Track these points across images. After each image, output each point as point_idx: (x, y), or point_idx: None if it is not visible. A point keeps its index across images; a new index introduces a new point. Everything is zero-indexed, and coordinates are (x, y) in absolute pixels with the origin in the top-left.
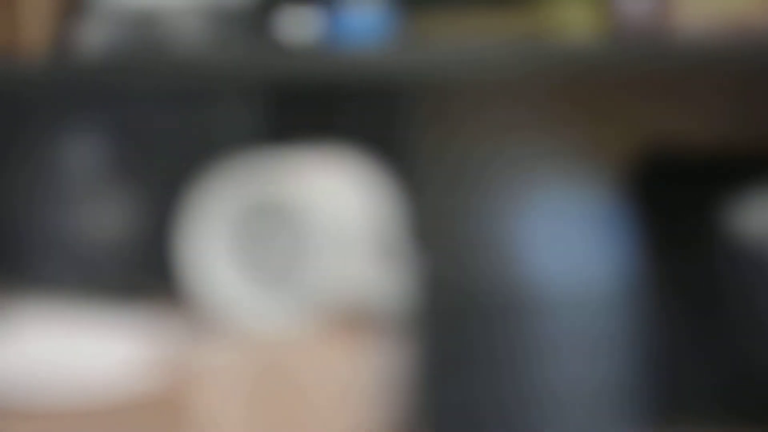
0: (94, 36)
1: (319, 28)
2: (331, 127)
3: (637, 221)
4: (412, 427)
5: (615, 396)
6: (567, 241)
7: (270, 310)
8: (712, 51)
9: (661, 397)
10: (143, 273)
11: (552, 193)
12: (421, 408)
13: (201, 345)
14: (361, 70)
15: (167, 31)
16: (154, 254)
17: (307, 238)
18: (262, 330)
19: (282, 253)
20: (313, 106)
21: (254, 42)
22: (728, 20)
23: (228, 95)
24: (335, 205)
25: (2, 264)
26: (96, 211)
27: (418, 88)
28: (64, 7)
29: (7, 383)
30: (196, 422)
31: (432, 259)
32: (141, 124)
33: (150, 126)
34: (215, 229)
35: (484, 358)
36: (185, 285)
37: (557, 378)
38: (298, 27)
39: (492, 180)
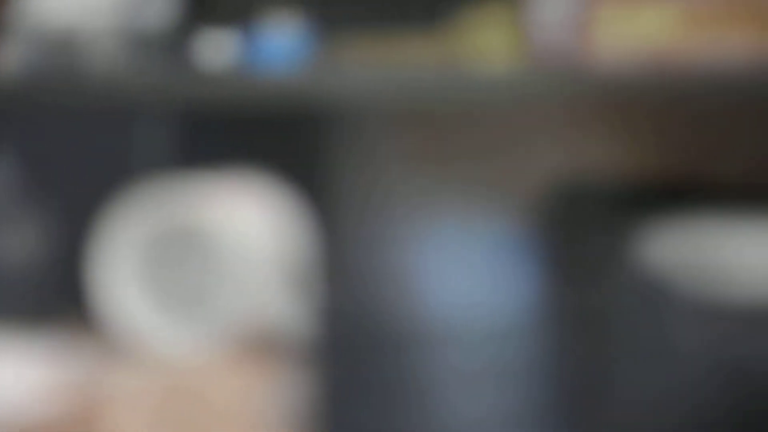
0: (12, 57)
1: (236, 52)
2: (245, 152)
3: (544, 252)
4: None
5: (518, 424)
6: (473, 273)
7: (178, 334)
8: (627, 82)
9: (565, 424)
10: (54, 297)
11: (459, 224)
12: None
13: (110, 368)
14: (276, 95)
15: (85, 54)
16: (66, 278)
17: (217, 264)
18: (171, 354)
19: (192, 279)
20: (227, 130)
21: (171, 65)
22: (646, 51)
23: (144, 118)
24: (245, 232)
25: None
26: (7, 234)
27: (332, 113)
28: None
29: None
30: None
31: (337, 288)
32: (55, 146)
33: (64, 149)
34: (126, 254)
35: (386, 386)
36: (96, 309)
37: (459, 406)
38: (215, 51)
39: (400, 210)
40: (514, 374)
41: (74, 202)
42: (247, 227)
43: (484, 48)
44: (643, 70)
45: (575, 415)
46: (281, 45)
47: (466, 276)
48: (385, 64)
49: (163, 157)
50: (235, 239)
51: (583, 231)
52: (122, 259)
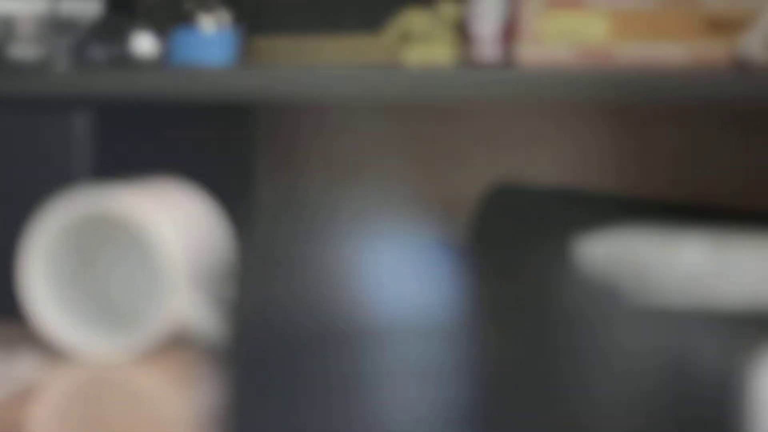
0: None
1: (165, 46)
2: (171, 146)
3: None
4: None
5: (449, 425)
6: (404, 272)
7: (95, 333)
8: (562, 83)
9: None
10: None
11: (391, 222)
12: None
13: (29, 365)
14: (202, 89)
15: (11, 43)
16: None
17: (136, 262)
18: (87, 353)
19: (110, 278)
20: (152, 124)
21: (98, 57)
22: (581, 53)
23: (69, 110)
24: (165, 230)
25: None
26: None
27: (258, 108)
28: None
29: None
30: None
31: (257, 287)
32: None
33: None
34: (45, 251)
35: (312, 387)
36: (22, 304)
37: (387, 406)
38: (143, 44)
39: (325, 208)
40: (444, 375)
41: (9, 200)
42: (167, 225)
43: (421, 49)
44: (579, 72)
45: (508, 415)
46: (209, 39)
47: (397, 275)
48: (316, 61)
49: (94, 150)
50: (155, 237)
51: (518, 234)
52: (41, 257)
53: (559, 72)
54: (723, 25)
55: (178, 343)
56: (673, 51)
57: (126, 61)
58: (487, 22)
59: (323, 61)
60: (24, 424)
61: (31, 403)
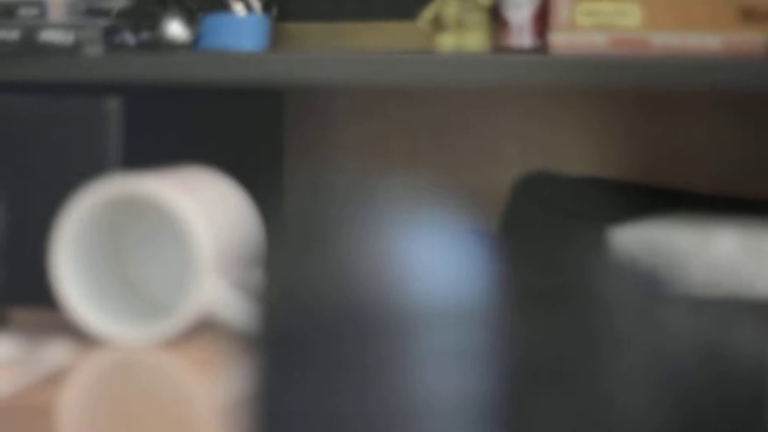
0: None
1: (196, 31)
2: (202, 131)
3: (508, 240)
4: None
5: (475, 413)
6: (430, 256)
7: (125, 320)
8: (595, 70)
9: (525, 414)
10: (14, 279)
11: (424, 208)
12: (277, 424)
13: (60, 351)
14: (233, 74)
15: (44, 27)
16: (31, 261)
17: (166, 248)
18: (118, 340)
19: (140, 264)
20: (183, 109)
21: (130, 42)
22: (614, 41)
23: (101, 95)
24: (195, 216)
25: None
26: None
27: (289, 93)
28: None
29: None
30: (54, 426)
31: (287, 273)
32: (17, 130)
33: (25, 133)
34: (75, 237)
35: (338, 375)
36: (54, 290)
37: (418, 395)
38: (174, 29)
39: (356, 194)
40: (478, 361)
41: (37, 188)
42: (198, 209)
43: (454, 36)
44: (611, 57)
45: (541, 402)
46: (241, 24)
47: (429, 260)
48: (353, 49)
49: (125, 134)
50: (188, 223)
51: (553, 221)
52: (73, 240)
53: (592, 58)
54: (758, 15)
55: (208, 329)
56: (706, 40)
57: (157, 46)
58: (520, 9)
59: (356, 48)
60: (54, 406)
61: (60, 387)
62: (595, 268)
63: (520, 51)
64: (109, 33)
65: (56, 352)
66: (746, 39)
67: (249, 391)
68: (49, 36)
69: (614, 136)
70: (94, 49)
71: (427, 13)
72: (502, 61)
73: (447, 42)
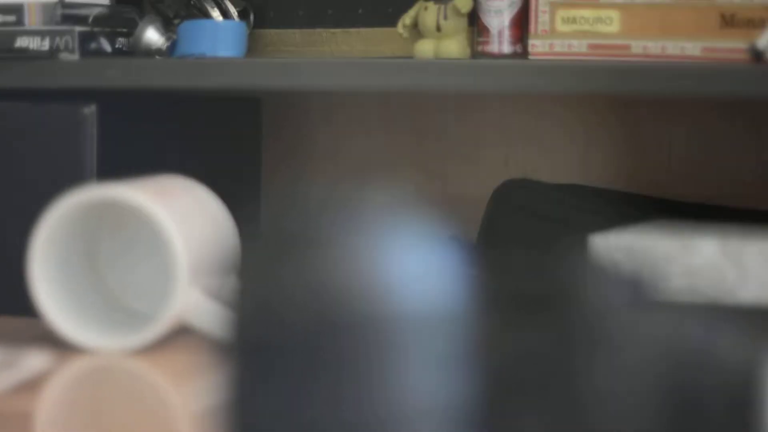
0: None
1: (173, 37)
2: (178, 138)
3: (488, 249)
4: None
5: (453, 420)
6: (407, 264)
7: (102, 329)
8: (573, 76)
9: (503, 419)
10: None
11: (394, 216)
12: (254, 429)
13: (37, 358)
14: (210, 81)
15: (20, 33)
16: (8, 269)
17: (143, 257)
18: (95, 348)
19: (120, 271)
20: (160, 116)
21: (106, 48)
22: (593, 47)
23: (77, 101)
24: (172, 224)
25: None
26: None
27: (265, 102)
28: None
29: None
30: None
31: (263, 281)
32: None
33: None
34: (51, 246)
35: (312, 382)
36: (31, 299)
37: (394, 402)
38: (151, 35)
39: (337, 201)
40: (455, 367)
41: (11, 196)
42: (174, 217)
43: (433, 42)
44: (590, 63)
45: (519, 408)
46: (218, 32)
47: (406, 268)
48: (331, 55)
49: (101, 141)
50: (163, 230)
51: (533, 229)
52: (46, 249)
53: (572, 64)
54: (738, 22)
55: (184, 336)
56: (686, 47)
57: (134, 53)
58: (499, 16)
59: (334, 54)
60: (31, 414)
61: (38, 394)
62: (575, 276)
63: (500, 57)
64: (86, 39)
65: (34, 360)
66: (726, 46)
67: (224, 399)
68: (25, 42)
69: (595, 143)
70: (70, 56)
71: (406, 19)
72: (481, 67)
73: (426, 48)
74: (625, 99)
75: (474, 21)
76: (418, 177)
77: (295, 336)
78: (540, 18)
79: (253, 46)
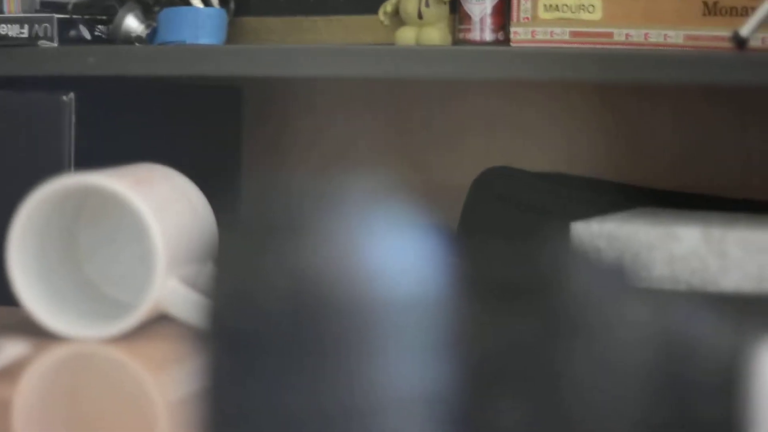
0: None
1: (153, 24)
2: (158, 126)
3: (468, 237)
4: None
5: (433, 410)
6: (388, 252)
7: (81, 317)
8: (556, 63)
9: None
10: None
11: (375, 204)
12: (228, 419)
13: (16, 346)
14: (190, 68)
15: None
16: None
17: (121, 245)
18: (74, 337)
19: (99, 259)
20: (140, 104)
21: (86, 35)
22: (575, 35)
23: (56, 89)
24: (150, 213)
25: None
26: None
27: (246, 90)
28: None
29: None
30: (9, 420)
31: (242, 269)
32: None
33: None
34: (30, 235)
35: (290, 369)
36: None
37: (373, 391)
38: (131, 23)
39: (318, 189)
40: (434, 355)
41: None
42: (153, 205)
43: (414, 29)
44: (572, 50)
45: (500, 398)
46: (199, 19)
47: (387, 256)
48: (312, 43)
49: (80, 129)
50: (141, 218)
51: (513, 218)
52: (24, 238)
53: (554, 50)
54: (720, 10)
55: (161, 324)
56: (669, 35)
57: (114, 40)
58: (481, 3)
59: (315, 42)
60: (9, 401)
61: (16, 382)
62: (557, 263)
63: (482, 44)
64: (65, 27)
65: (12, 348)
66: (709, 34)
67: (201, 387)
68: (4, 30)
69: (580, 132)
70: (49, 43)
71: (387, 7)
72: (463, 54)
73: (407, 36)
74: (609, 87)
75: (455, 8)
76: (401, 165)
77: (273, 324)
78: (522, 5)
79: (233, 34)
